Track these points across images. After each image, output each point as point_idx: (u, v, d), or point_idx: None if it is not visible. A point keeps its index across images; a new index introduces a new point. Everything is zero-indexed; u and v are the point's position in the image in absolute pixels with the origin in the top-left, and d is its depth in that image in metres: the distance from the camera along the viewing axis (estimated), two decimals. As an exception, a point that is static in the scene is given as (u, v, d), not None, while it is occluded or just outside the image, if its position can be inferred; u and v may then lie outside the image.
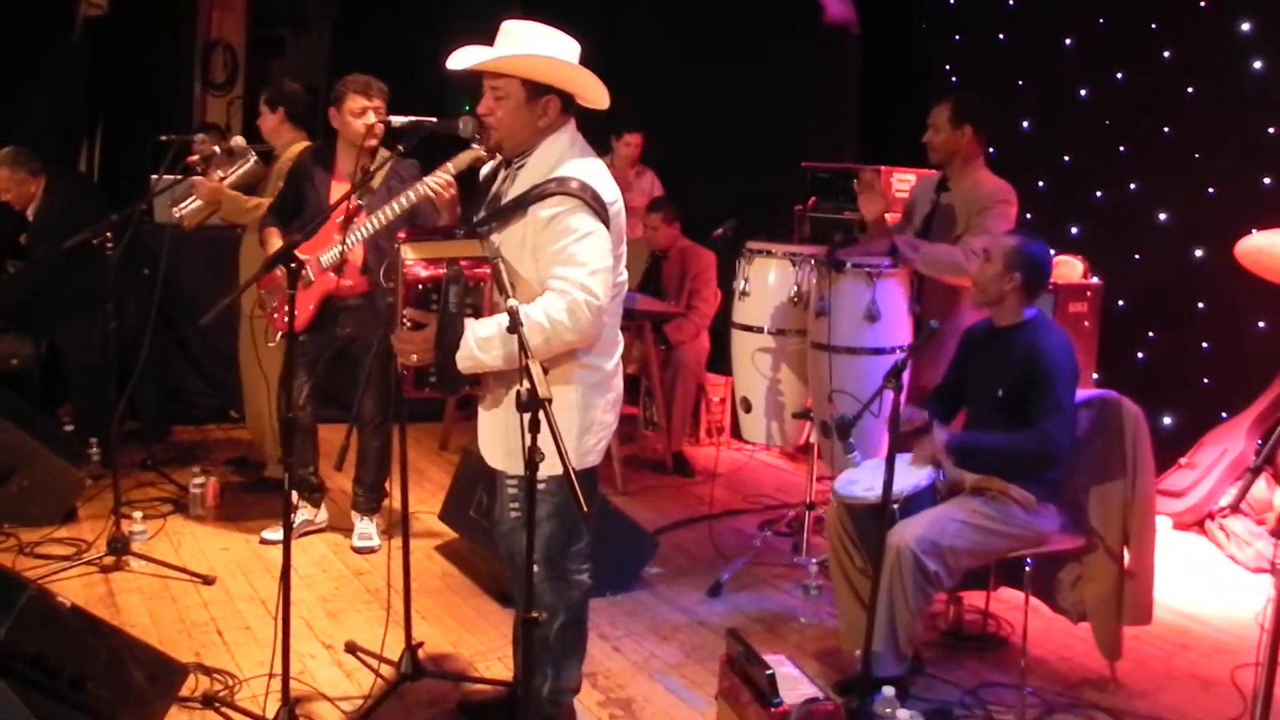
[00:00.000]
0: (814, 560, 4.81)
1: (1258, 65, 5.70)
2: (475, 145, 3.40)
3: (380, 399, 4.91)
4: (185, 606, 4.38)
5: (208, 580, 4.60)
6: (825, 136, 7.36)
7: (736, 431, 5.65)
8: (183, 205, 5.53)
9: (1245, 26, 5.75)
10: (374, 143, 4.75)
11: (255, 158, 5.53)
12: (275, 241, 4.73)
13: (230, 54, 8.86)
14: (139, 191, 5.61)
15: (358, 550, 5.04)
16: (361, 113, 4.73)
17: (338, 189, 4.77)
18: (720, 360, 6.43)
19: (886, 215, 4.94)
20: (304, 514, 5.18)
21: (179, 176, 5.46)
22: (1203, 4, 5.92)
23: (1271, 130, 5.64)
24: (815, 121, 7.50)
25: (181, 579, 4.61)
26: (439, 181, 3.54)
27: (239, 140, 5.67)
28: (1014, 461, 3.78)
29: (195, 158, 5.39)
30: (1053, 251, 4.14)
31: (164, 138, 5.05)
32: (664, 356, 6.63)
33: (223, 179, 5.43)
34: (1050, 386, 3.69)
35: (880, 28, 7.47)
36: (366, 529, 5.11)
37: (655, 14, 8.59)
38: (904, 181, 6.00)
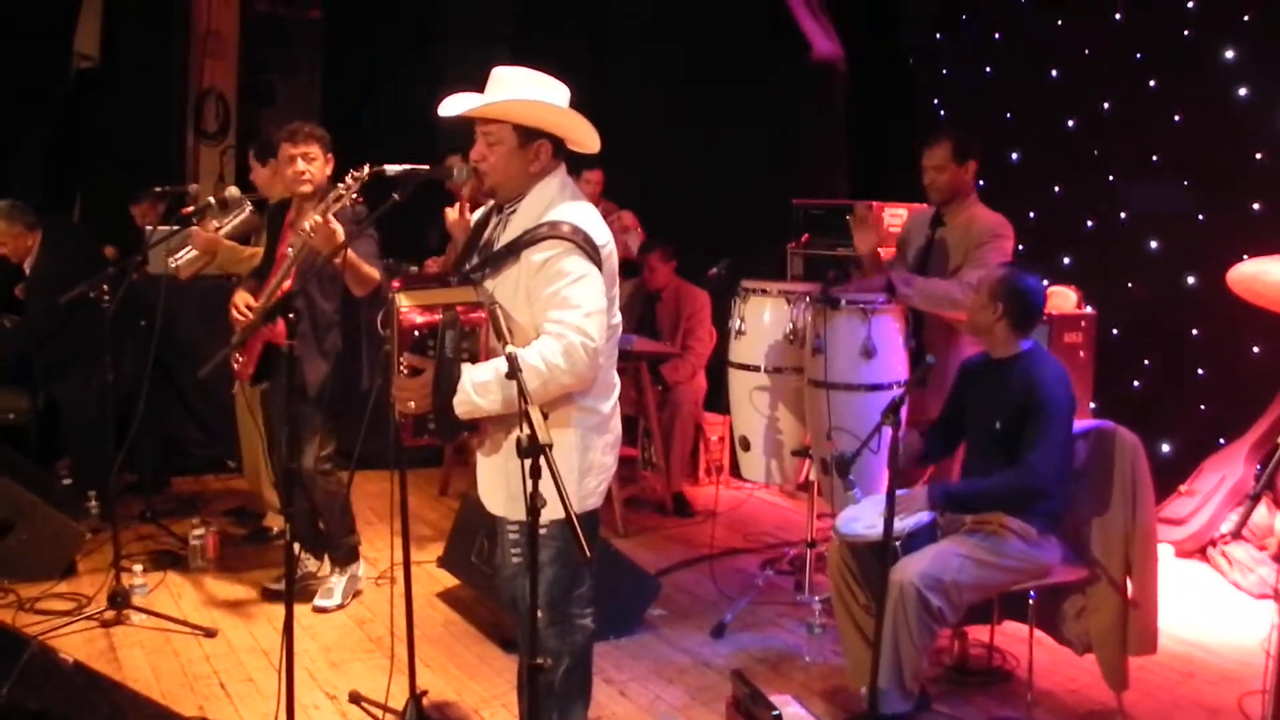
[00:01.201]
0: (817, 599, 4.79)
1: (1243, 92, 5.75)
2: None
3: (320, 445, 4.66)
4: (187, 660, 4.36)
5: (209, 633, 4.58)
6: (816, 173, 7.39)
7: (735, 470, 5.63)
8: (178, 255, 5.54)
9: (1229, 54, 5.80)
10: (307, 190, 4.59)
11: (250, 208, 5.55)
12: (239, 294, 4.61)
13: (222, 103, 8.89)
14: (134, 243, 5.61)
15: (315, 609, 4.89)
16: (290, 160, 4.59)
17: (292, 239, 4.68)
18: (717, 399, 6.43)
19: (880, 250, 4.96)
20: (307, 565, 5.13)
21: (175, 227, 5.48)
22: (1186, 33, 5.97)
23: (1259, 156, 5.69)
24: (805, 158, 7.53)
25: (183, 632, 4.58)
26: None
27: (233, 190, 5.69)
28: (1004, 500, 3.80)
29: (190, 209, 5.41)
30: (1045, 282, 4.16)
31: (158, 189, 5.05)
32: (661, 397, 6.62)
33: (218, 229, 5.44)
34: (1041, 419, 3.71)
35: (867, 64, 7.52)
36: (329, 585, 4.95)
37: (643, 55, 8.64)
38: (896, 216, 6.02)
